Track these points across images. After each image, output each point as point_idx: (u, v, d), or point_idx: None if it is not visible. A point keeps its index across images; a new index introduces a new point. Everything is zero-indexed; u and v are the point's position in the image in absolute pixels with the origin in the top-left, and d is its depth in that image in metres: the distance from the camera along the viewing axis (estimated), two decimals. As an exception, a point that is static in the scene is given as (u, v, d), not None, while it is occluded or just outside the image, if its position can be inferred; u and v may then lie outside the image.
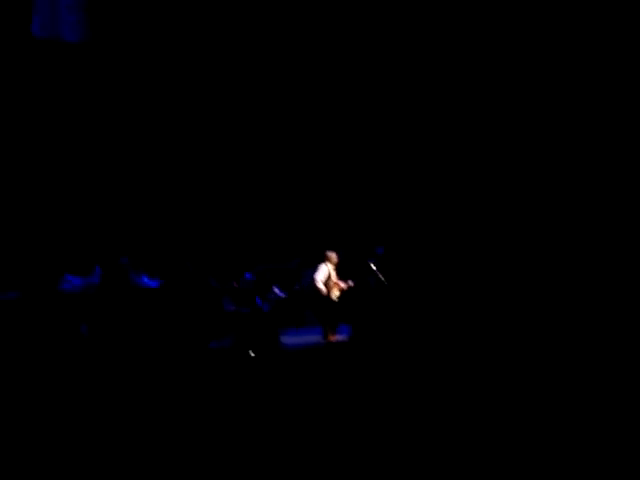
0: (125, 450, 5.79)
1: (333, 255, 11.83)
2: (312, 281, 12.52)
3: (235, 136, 15.16)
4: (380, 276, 11.50)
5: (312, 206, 15.37)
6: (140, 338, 10.18)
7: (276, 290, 11.14)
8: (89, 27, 13.95)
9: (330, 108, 15.29)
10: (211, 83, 14.98)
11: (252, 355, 10.06)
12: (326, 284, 11.64)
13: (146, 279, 11.04)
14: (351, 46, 14.86)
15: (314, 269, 13.02)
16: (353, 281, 11.87)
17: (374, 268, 11.56)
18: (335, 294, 11.69)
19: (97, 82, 14.15)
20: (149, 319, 10.45)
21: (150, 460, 5.52)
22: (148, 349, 9.99)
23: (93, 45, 14.10)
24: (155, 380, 8.50)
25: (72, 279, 11.08)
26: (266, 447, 5.69)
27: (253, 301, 10.87)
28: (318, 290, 11.61)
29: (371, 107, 15.03)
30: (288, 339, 11.27)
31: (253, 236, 14.80)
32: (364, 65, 14.90)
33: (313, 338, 11.71)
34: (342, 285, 11.76)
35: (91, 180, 13.92)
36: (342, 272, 12.00)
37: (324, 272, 11.65)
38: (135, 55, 14.49)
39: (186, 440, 5.96)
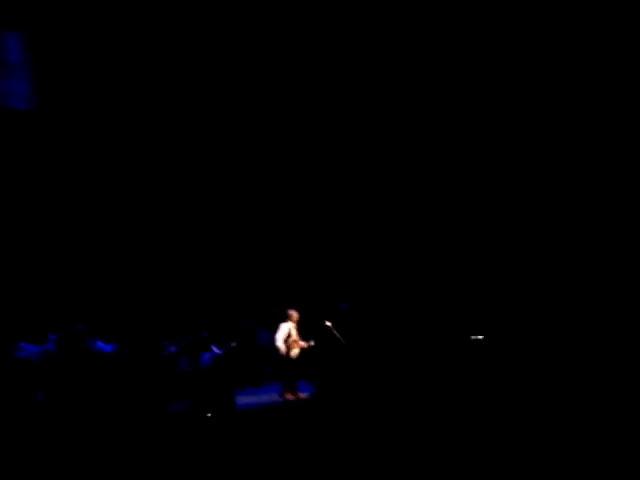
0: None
1: (294, 313, 11.89)
2: (272, 340, 12.65)
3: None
4: (337, 334, 11.57)
5: (271, 265, 15.49)
6: (97, 404, 10.13)
7: (214, 348, 11.13)
8: (37, 95, 14.07)
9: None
10: (161, 138, 15.16)
11: (208, 416, 10.06)
12: (286, 342, 11.69)
13: (101, 344, 11.00)
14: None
15: (272, 328, 13.18)
16: (314, 339, 11.93)
17: (330, 326, 11.61)
18: (295, 352, 11.74)
19: (46, 149, 14.20)
20: (106, 384, 10.41)
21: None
22: (106, 414, 9.95)
23: (42, 112, 14.21)
24: (114, 445, 8.47)
25: (27, 347, 10.99)
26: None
27: (207, 361, 10.87)
28: (277, 348, 11.69)
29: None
30: (245, 399, 11.30)
31: (209, 296, 14.82)
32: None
33: (271, 397, 11.74)
34: (302, 344, 11.81)
35: (42, 248, 13.88)
36: (304, 331, 12.07)
37: (284, 330, 11.72)
38: (83, 120, 14.60)
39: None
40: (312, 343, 11.83)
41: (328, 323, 11.58)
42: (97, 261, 14.36)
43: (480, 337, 12.53)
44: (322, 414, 9.97)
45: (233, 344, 11.13)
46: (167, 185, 15.11)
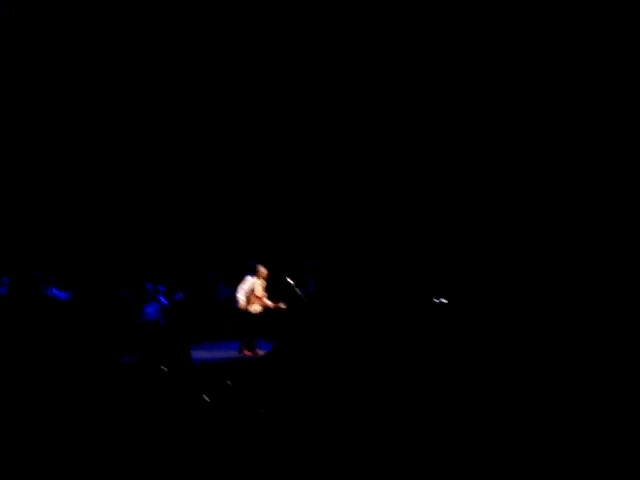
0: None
1: (263, 270, 11.68)
2: (233, 295, 12.45)
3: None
4: (298, 292, 11.43)
5: (239, 220, 15.35)
6: (49, 351, 9.90)
7: (161, 299, 10.93)
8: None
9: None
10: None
11: (163, 370, 9.88)
12: (248, 297, 11.51)
13: (56, 291, 10.76)
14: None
15: (233, 284, 13.01)
16: (280, 298, 11.74)
17: (292, 283, 11.46)
18: (255, 308, 11.56)
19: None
20: (59, 332, 10.17)
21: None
22: (57, 363, 9.73)
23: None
24: (64, 395, 8.28)
25: (-21, 290, 10.74)
26: (176, 461, 5.61)
27: (152, 313, 10.68)
28: (237, 300, 11.49)
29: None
30: (202, 353, 11.14)
31: (173, 247, 14.64)
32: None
33: (227, 353, 11.60)
34: (268, 302, 11.64)
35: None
36: (272, 288, 11.86)
37: (248, 284, 11.51)
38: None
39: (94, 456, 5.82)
40: (282, 305, 11.64)
41: (290, 280, 11.42)
42: (56, 208, 14.07)
43: (444, 300, 12.51)
44: (277, 372, 9.85)
45: (179, 296, 10.92)
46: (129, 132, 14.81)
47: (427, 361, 8.89)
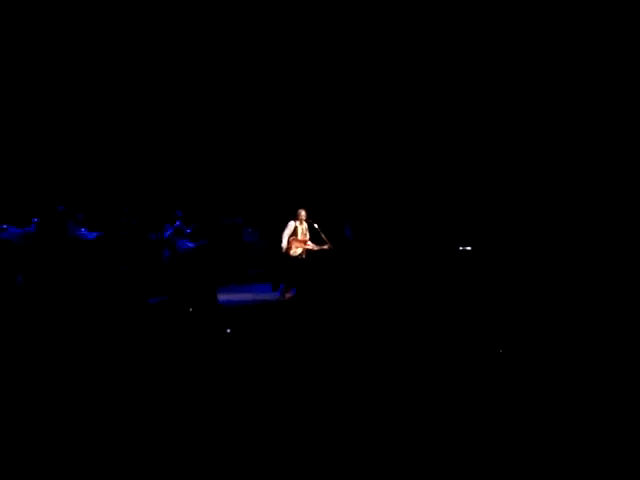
0: (59, 404, 5.71)
1: (302, 212, 11.67)
2: (257, 239, 12.44)
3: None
4: (324, 238, 11.42)
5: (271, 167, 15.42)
6: (76, 291, 10.01)
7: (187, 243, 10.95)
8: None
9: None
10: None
11: (190, 311, 9.98)
12: (289, 242, 11.54)
13: (84, 231, 10.83)
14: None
15: (254, 227, 13.02)
16: (331, 244, 11.68)
17: (318, 229, 11.45)
18: (296, 252, 11.55)
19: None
20: (86, 272, 10.27)
21: (83, 419, 5.44)
22: (84, 303, 9.84)
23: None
24: (91, 335, 8.37)
25: (9, 228, 10.84)
26: (201, 407, 5.66)
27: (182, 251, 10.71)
28: (280, 245, 11.56)
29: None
30: (228, 296, 11.23)
31: (202, 191, 14.73)
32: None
33: (255, 296, 11.69)
34: (310, 244, 11.61)
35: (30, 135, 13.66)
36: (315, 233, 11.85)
37: (290, 228, 11.51)
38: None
39: (120, 397, 5.90)
40: (326, 247, 11.60)
41: (316, 225, 11.41)
42: (88, 151, 14.16)
43: (468, 248, 12.48)
44: (302, 316, 9.89)
45: (204, 242, 10.93)
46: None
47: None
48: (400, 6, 14.31)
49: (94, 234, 10.89)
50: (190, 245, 11.12)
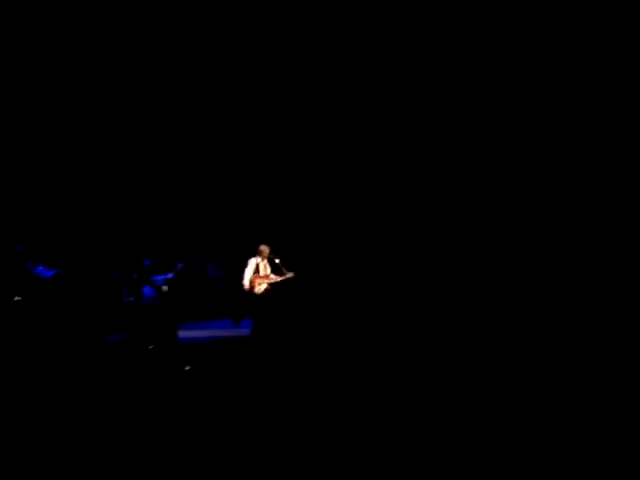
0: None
1: (265, 249, 11.69)
2: (219, 275, 12.41)
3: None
4: (284, 271, 11.48)
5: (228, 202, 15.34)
6: (33, 329, 9.87)
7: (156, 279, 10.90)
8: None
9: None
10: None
11: (150, 349, 9.90)
12: (252, 280, 11.57)
13: (42, 269, 10.71)
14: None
15: (218, 263, 13.01)
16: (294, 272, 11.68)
17: (278, 262, 11.51)
18: (260, 289, 11.59)
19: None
20: (44, 310, 10.14)
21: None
22: (42, 341, 9.70)
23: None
24: (48, 373, 8.28)
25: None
26: (160, 438, 5.63)
27: (148, 295, 10.67)
28: (242, 285, 11.57)
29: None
30: (188, 333, 11.17)
31: (164, 229, 14.63)
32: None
33: (212, 332, 11.66)
34: (273, 277, 11.64)
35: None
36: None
37: (251, 267, 11.57)
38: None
39: (80, 433, 5.84)
40: (290, 275, 11.62)
41: (277, 260, 11.47)
42: (48, 189, 14.02)
43: None
44: (261, 350, 9.89)
45: (180, 266, 10.89)
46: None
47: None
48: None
49: (52, 272, 10.77)
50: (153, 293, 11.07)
